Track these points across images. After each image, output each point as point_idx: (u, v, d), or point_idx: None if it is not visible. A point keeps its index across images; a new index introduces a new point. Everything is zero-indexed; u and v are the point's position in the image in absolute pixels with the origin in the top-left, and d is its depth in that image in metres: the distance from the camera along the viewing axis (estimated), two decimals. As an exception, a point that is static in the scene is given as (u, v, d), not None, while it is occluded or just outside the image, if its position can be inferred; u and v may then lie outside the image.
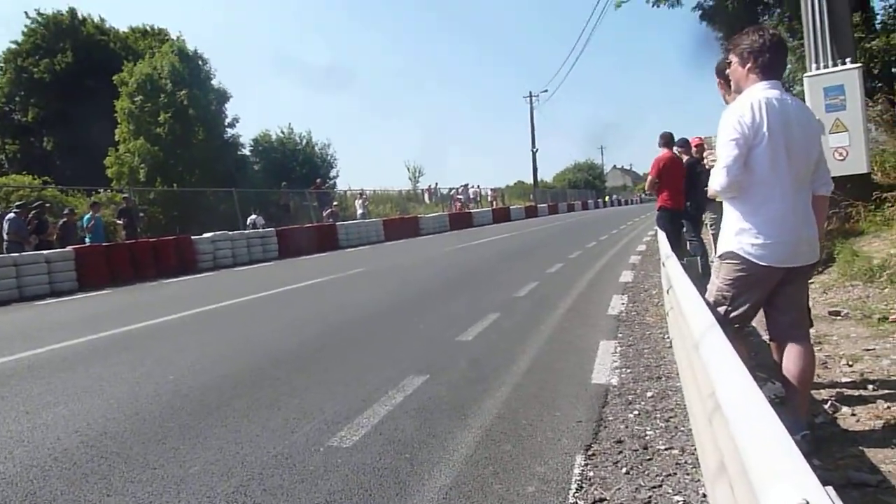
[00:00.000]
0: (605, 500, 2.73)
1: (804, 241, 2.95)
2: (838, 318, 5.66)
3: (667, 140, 8.31)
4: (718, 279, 3.16)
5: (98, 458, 3.41)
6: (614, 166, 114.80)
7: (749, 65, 3.01)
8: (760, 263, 2.96)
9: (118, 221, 17.79)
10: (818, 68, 8.28)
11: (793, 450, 1.19)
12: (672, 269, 4.67)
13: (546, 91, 69.34)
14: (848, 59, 8.08)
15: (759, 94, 2.93)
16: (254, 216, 21.79)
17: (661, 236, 7.99)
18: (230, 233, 18.15)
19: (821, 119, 7.97)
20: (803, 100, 9.57)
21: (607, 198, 76.53)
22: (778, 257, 2.94)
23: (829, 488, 1.01)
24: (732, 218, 3.07)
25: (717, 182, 2.99)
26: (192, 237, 16.90)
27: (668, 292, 5.25)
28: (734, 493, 1.56)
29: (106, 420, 4.05)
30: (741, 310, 3.13)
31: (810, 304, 6.30)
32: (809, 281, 7.19)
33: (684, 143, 8.61)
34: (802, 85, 9.15)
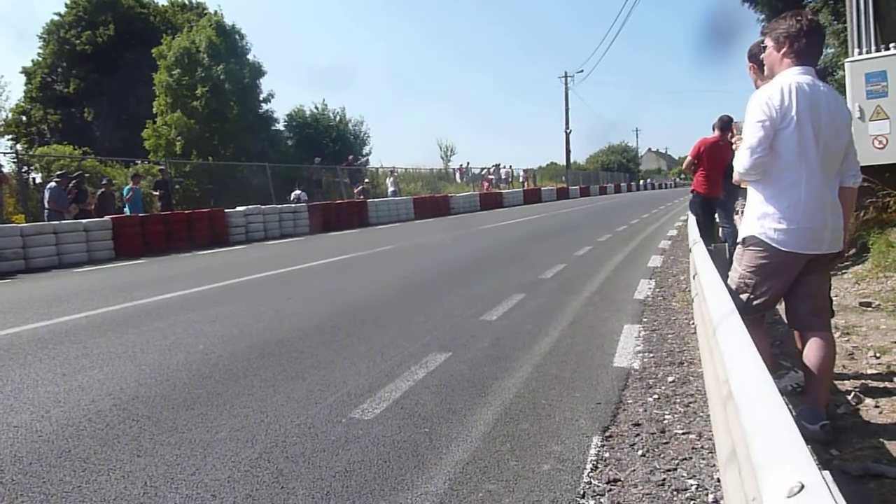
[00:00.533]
0: (620, 480, 2.76)
1: (828, 229, 2.91)
2: (869, 309, 5.57)
3: (723, 125, 7.94)
4: (741, 266, 3.15)
5: (129, 421, 3.55)
6: (649, 149, 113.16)
7: (784, 49, 2.97)
8: (783, 249, 2.94)
9: (154, 193, 18.14)
10: (860, 53, 8.05)
11: (796, 437, 1.21)
12: (698, 254, 4.64)
13: (581, 71, 68.35)
14: (892, 45, 7.84)
15: (790, 78, 2.89)
16: (298, 191, 22.14)
17: (692, 221, 7.91)
18: (262, 207, 18.37)
19: (861, 105, 7.77)
20: (844, 85, 9.33)
21: (641, 181, 75.51)
22: (800, 244, 2.91)
23: (826, 473, 1.03)
24: (756, 202, 3.05)
25: (740, 163, 2.97)
26: (226, 210, 17.14)
27: (694, 278, 5.21)
28: (741, 478, 1.59)
29: (138, 385, 4.19)
30: (763, 298, 3.11)
31: (840, 294, 6.22)
32: (840, 271, 7.10)
33: (724, 126, 8.09)
34: (844, 70, 8.92)
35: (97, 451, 3.14)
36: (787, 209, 2.91)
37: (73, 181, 14.79)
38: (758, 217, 3.02)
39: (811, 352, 3.04)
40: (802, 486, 0.99)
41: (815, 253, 2.95)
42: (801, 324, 3.16)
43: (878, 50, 7.89)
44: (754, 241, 3.04)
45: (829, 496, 0.96)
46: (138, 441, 3.26)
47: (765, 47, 3.11)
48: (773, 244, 2.97)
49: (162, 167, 19.66)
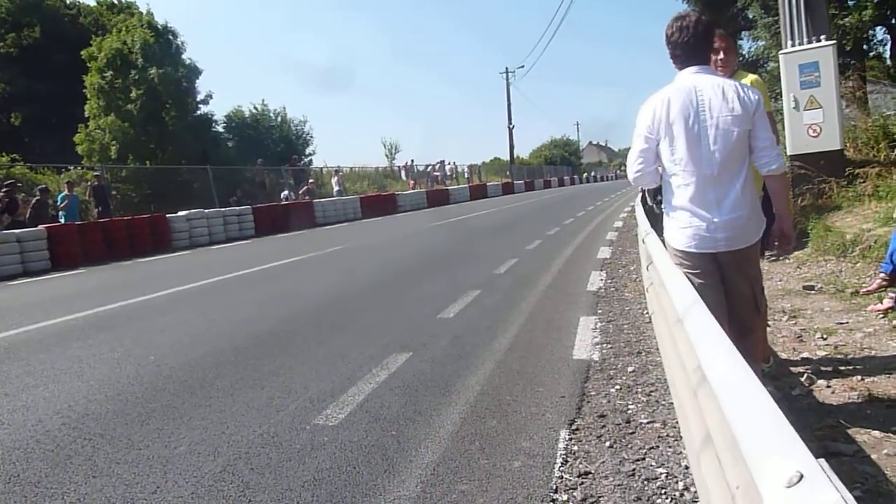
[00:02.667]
0: (590, 473, 2.78)
1: (720, 228, 2.90)
2: (812, 292, 5.78)
3: None
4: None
5: (81, 440, 3.39)
6: (590, 142, 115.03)
7: (670, 53, 3.03)
8: (678, 248, 3.05)
9: (90, 199, 17.47)
10: (793, 45, 8.35)
11: (783, 423, 1.22)
12: (651, 244, 4.72)
13: (522, 67, 69.02)
14: (822, 36, 8.15)
15: (675, 84, 2.96)
16: (286, 191, 21.92)
17: (640, 212, 8.05)
18: (206, 210, 17.92)
19: (796, 96, 8.06)
20: (777, 76, 9.66)
21: (585, 174, 76.75)
22: (692, 242, 2.97)
23: (822, 461, 1.04)
24: (665, 207, 3.16)
25: (629, 173, 3.11)
26: (167, 215, 16.65)
27: (647, 269, 5.30)
28: (721, 465, 1.60)
29: (87, 401, 4.01)
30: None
31: (784, 278, 6.44)
32: (781, 256, 7.35)
33: None
34: (778, 62, 9.24)
35: (48, 474, 2.99)
36: (679, 211, 2.98)
37: (4, 190, 14.10)
38: (665, 221, 3.14)
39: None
40: (801, 476, 1.00)
41: (711, 251, 2.97)
42: (731, 327, 3.06)
43: (809, 42, 8.19)
44: (668, 244, 3.17)
45: (829, 484, 0.96)
46: (92, 461, 3.11)
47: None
48: (675, 245, 3.07)
49: (97, 173, 18.94)
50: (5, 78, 31.26)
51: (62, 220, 14.96)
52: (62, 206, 15.52)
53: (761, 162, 2.92)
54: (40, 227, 13.41)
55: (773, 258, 7.58)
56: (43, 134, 29.57)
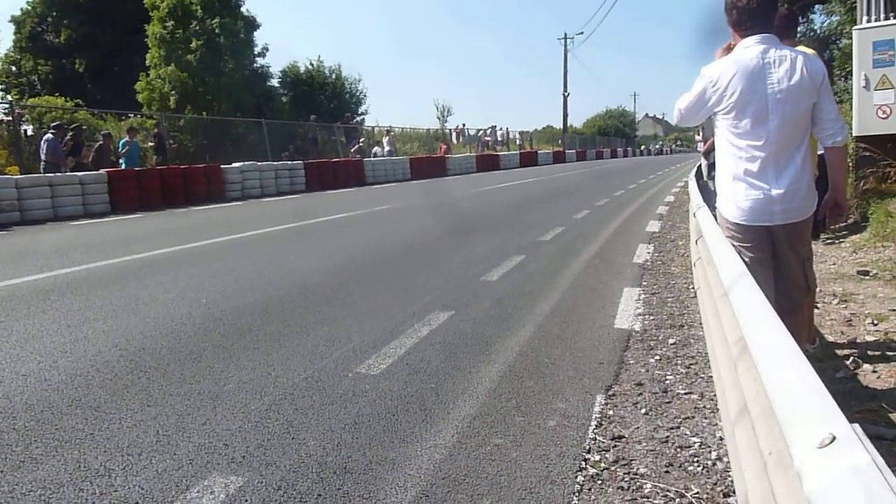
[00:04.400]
0: (624, 437, 2.82)
1: (777, 201, 2.87)
2: (867, 277, 5.62)
3: None
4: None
5: (137, 371, 3.58)
6: (646, 114, 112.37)
7: (732, 20, 2.94)
8: (732, 221, 3.01)
9: (149, 147, 17.96)
10: (869, 21, 7.96)
11: (821, 391, 1.23)
12: (703, 218, 4.65)
13: (581, 33, 67.34)
14: (902, 12, 7.75)
15: (735, 55, 2.89)
16: (377, 148, 22.32)
17: (693, 187, 7.90)
18: (259, 163, 18.24)
19: (867, 74, 7.72)
20: (849, 53, 9.24)
21: (642, 147, 75.19)
22: (750, 216, 2.94)
23: (856, 426, 1.05)
24: (717, 178, 3.11)
25: (678, 104, 3.12)
26: (222, 166, 17.01)
27: (696, 243, 5.24)
28: (755, 433, 1.62)
29: (143, 337, 4.22)
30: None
31: (838, 262, 6.27)
32: (838, 239, 7.15)
33: None
34: (851, 39, 8.84)
35: (107, 401, 3.17)
36: (737, 182, 2.94)
37: (71, 133, 14.60)
38: (720, 193, 3.09)
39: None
40: (834, 438, 1.02)
41: (766, 224, 2.93)
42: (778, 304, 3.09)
43: (886, 18, 7.80)
44: (720, 216, 3.11)
45: (861, 447, 0.98)
46: (147, 391, 3.29)
47: None
48: (729, 217, 3.02)
49: (157, 121, 19.40)
50: (71, 24, 32.03)
51: (122, 166, 15.44)
52: (123, 152, 16.00)
53: (826, 133, 2.89)
54: (102, 171, 13.89)
55: (829, 241, 7.37)
56: (104, 81, 30.30)
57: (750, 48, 2.86)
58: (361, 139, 26.89)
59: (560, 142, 51.88)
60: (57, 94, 23.90)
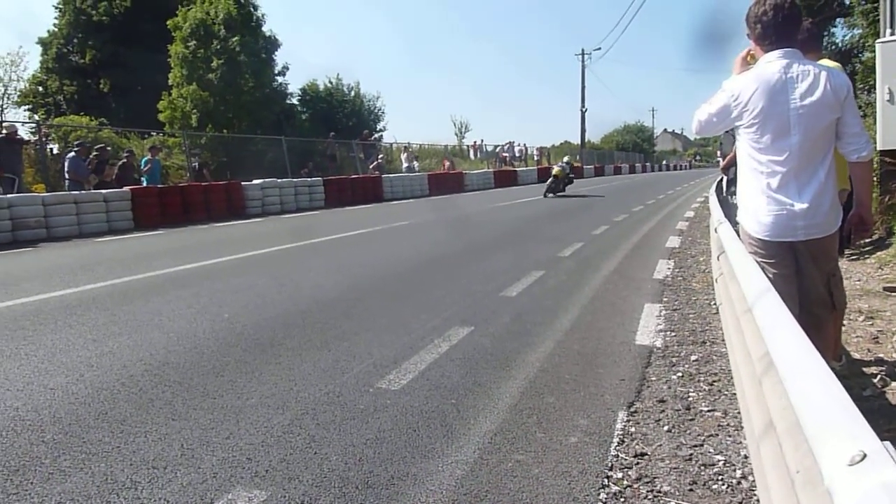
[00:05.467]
0: (647, 454, 2.80)
1: (800, 216, 2.84)
2: (893, 294, 5.55)
3: None
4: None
5: (161, 386, 3.62)
6: (665, 129, 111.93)
7: (755, 34, 2.93)
8: (755, 237, 2.98)
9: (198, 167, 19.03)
10: (892, 34, 7.92)
11: (850, 407, 1.23)
12: (724, 234, 4.63)
13: (599, 49, 67.39)
14: (925, 26, 7.70)
15: (758, 70, 2.88)
16: (407, 163, 22.66)
17: (713, 202, 7.86)
18: (279, 180, 18.42)
19: (891, 87, 7.66)
20: (872, 67, 9.17)
21: (661, 162, 74.95)
22: (773, 231, 2.91)
23: (887, 443, 1.05)
24: (739, 192, 3.09)
25: (697, 115, 3.10)
26: (242, 183, 17.20)
27: (717, 258, 5.20)
28: (782, 450, 1.60)
29: (167, 351, 4.26)
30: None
31: (863, 279, 6.19)
32: (863, 255, 7.06)
33: None
34: (874, 51, 8.78)
35: (133, 414, 3.21)
36: (759, 197, 2.92)
37: (96, 152, 14.89)
38: (741, 208, 3.08)
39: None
40: (864, 455, 1.01)
41: (789, 240, 2.91)
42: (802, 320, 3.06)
43: (909, 31, 7.75)
44: (743, 232, 3.09)
45: (893, 464, 0.98)
46: (172, 405, 3.33)
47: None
48: (751, 233, 3.00)
49: (196, 151, 20.04)
50: (96, 45, 32.73)
51: (144, 183, 15.68)
52: (145, 169, 16.25)
53: (851, 148, 2.86)
54: (125, 188, 14.12)
55: (854, 257, 7.29)
56: (128, 100, 30.84)
57: (773, 63, 2.85)
58: (380, 156, 27.06)
59: (578, 157, 51.79)
60: (82, 114, 24.39)
